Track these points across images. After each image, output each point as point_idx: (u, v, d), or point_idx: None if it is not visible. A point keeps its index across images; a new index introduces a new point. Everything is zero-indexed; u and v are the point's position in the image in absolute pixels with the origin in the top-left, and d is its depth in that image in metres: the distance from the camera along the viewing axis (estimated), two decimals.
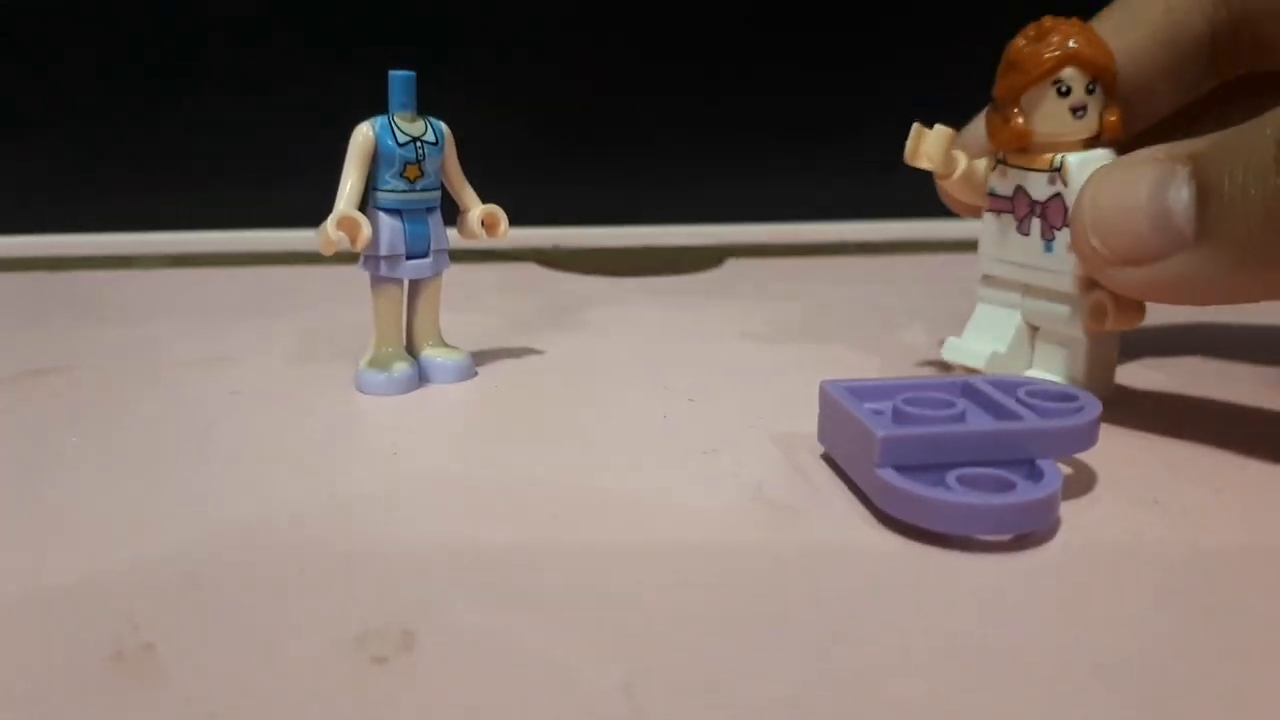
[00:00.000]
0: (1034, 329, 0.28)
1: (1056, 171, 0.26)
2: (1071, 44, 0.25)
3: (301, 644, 0.16)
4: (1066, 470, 0.22)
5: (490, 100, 0.54)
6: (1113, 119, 0.26)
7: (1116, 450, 0.23)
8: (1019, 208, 0.27)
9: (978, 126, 0.28)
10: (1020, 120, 0.26)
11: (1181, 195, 0.22)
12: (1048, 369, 0.27)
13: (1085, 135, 0.26)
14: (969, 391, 0.23)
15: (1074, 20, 0.26)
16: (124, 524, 0.20)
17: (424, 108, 0.27)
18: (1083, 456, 0.22)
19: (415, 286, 0.29)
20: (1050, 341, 0.27)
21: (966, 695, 0.15)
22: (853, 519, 0.20)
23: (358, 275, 0.28)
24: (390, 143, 0.27)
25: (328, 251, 0.26)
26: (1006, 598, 0.17)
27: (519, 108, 0.56)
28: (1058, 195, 0.26)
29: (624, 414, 0.27)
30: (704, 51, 0.40)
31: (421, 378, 0.28)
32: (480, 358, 0.30)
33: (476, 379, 0.29)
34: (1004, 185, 0.27)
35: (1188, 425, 0.26)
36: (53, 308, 0.39)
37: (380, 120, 0.27)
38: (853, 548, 0.19)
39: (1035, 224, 0.27)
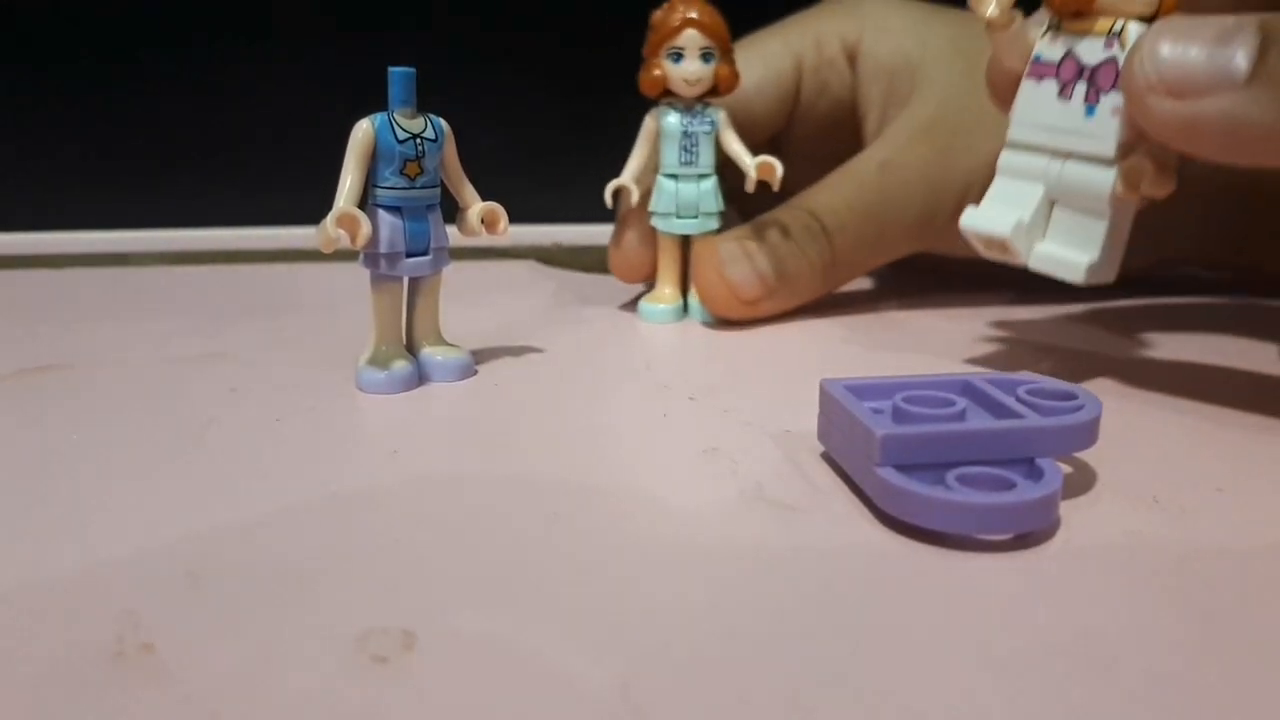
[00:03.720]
0: (1050, 204, 0.27)
1: (1116, 36, 0.26)
2: None
3: (302, 643, 0.16)
4: (1066, 469, 0.22)
5: (490, 97, 0.54)
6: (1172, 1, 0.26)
7: (1116, 449, 0.23)
8: (1065, 72, 0.27)
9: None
10: None
11: (1246, 39, 0.23)
12: (1063, 241, 0.27)
13: (1146, 8, 0.26)
14: (969, 390, 0.23)
15: None
16: (124, 522, 0.20)
17: (424, 104, 0.27)
18: (1082, 455, 0.22)
19: (415, 284, 0.29)
20: (1070, 212, 0.27)
21: (966, 693, 0.15)
22: (853, 518, 0.20)
23: (357, 273, 0.28)
24: (390, 140, 0.27)
25: (327, 249, 0.26)
26: (1006, 596, 0.17)
27: (519, 104, 0.56)
28: (1111, 59, 0.26)
29: (624, 412, 0.27)
30: None
31: (421, 376, 0.28)
32: (480, 356, 0.30)
33: (476, 377, 0.29)
34: (1052, 50, 0.27)
35: (1188, 424, 0.26)
36: (52, 305, 0.39)
37: (380, 117, 0.27)
38: (853, 546, 0.19)
39: (1080, 88, 0.26)
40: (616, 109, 0.41)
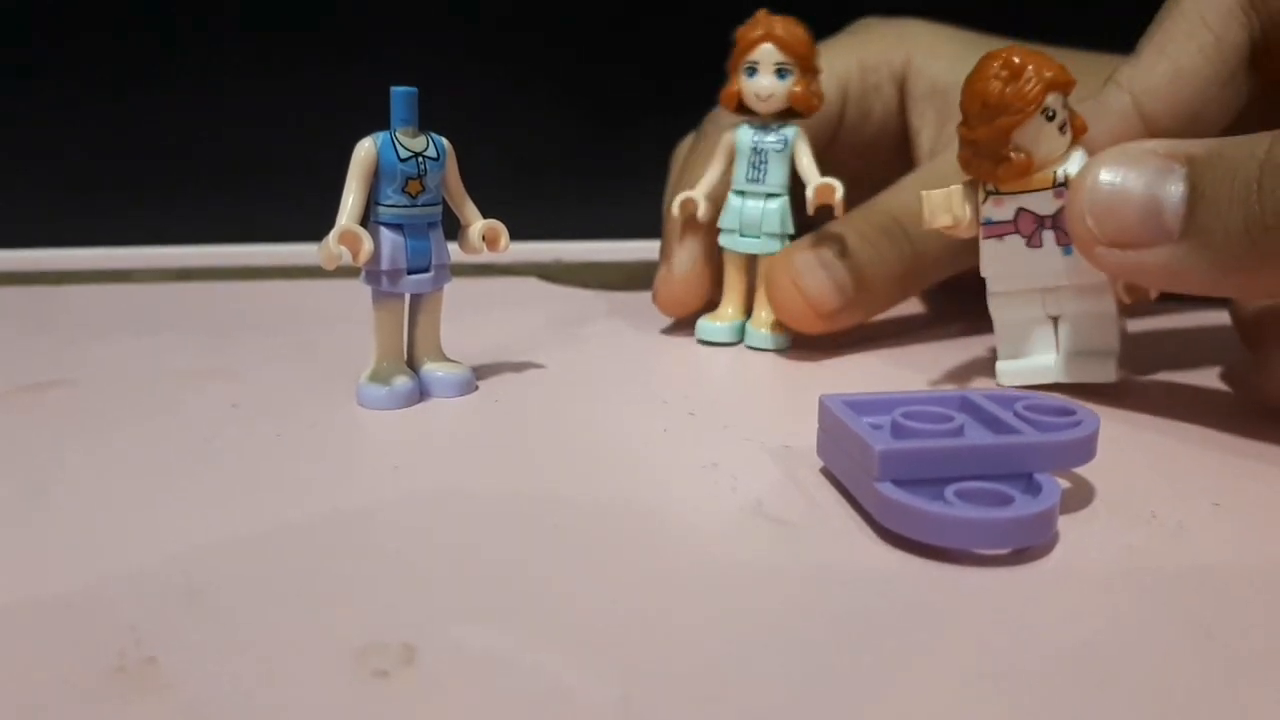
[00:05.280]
0: (1055, 319, 0.29)
1: (1062, 186, 0.27)
2: (1047, 73, 0.26)
3: (303, 658, 0.16)
4: (1064, 484, 0.22)
5: (492, 115, 0.55)
6: (1079, 121, 0.27)
7: (1114, 464, 0.23)
8: (1024, 226, 0.28)
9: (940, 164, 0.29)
10: (1021, 155, 0.27)
11: (1174, 192, 0.24)
12: (1082, 346, 0.29)
13: (1067, 145, 0.27)
14: (967, 406, 0.23)
15: (1014, 47, 0.27)
16: (125, 537, 0.20)
17: (426, 123, 0.28)
18: (1081, 470, 0.23)
19: (416, 301, 0.29)
20: (1078, 320, 0.29)
21: (965, 709, 0.15)
22: (851, 533, 0.20)
23: (359, 290, 0.28)
24: (392, 158, 0.27)
25: (329, 266, 0.26)
26: (1004, 611, 0.17)
27: (520, 122, 0.56)
28: (1064, 207, 0.27)
29: (624, 428, 0.27)
30: (706, 68, 0.40)
31: (422, 392, 0.29)
32: (481, 372, 0.30)
33: (477, 393, 0.29)
34: (1001, 212, 0.28)
35: (1185, 439, 0.26)
36: (54, 322, 0.39)
37: (382, 136, 0.27)
38: (851, 562, 0.19)
39: (1047, 235, 0.28)
40: (618, 127, 0.41)
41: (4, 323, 0.39)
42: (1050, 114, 0.27)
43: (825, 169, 0.33)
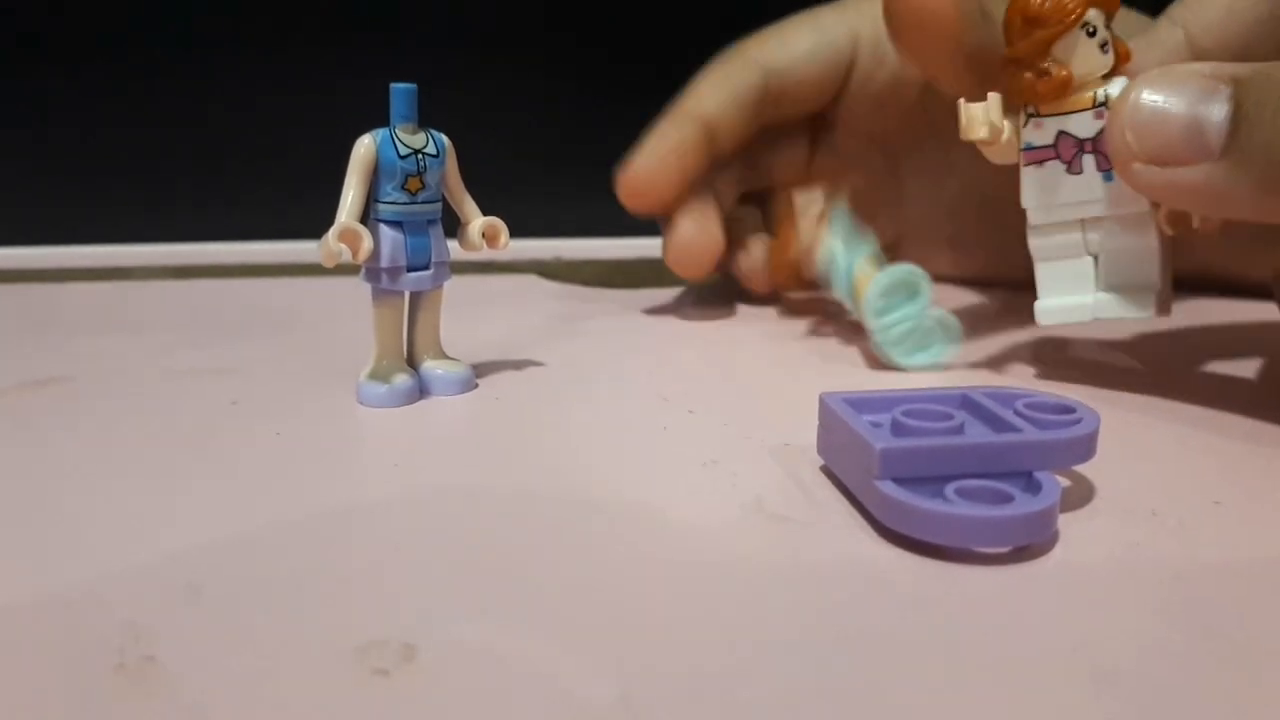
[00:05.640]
0: (1094, 256, 0.28)
1: (1103, 105, 0.27)
2: None
3: (303, 655, 0.16)
4: (1065, 482, 0.22)
5: (492, 112, 0.55)
6: (1123, 48, 0.27)
7: (1115, 462, 0.23)
8: (1064, 151, 0.27)
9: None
10: (1062, 70, 0.26)
11: (1218, 112, 0.24)
12: (1120, 285, 0.28)
13: (1110, 67, 0.27)
14: (967, 404, 0.23)
15: None
16: (125, 535, 0.20)
17: (425, 120, 0.28)
18: (1081, 469, 0.22)
19: (416, 298, 0.29)
20: (1118, 256, 0.28)
21: (965, 707, 0.15)
22: (852, 531, 0.20)
23: (359, 287, 0.28)
24: (391, 155, 0.27)
25: (329, 263, 0.26)
26: (1005, 610, 0.17)
27: (520, 119, 0.56)
28: (1105, 128, 0.27)
29: (624, 425, 0.27)
30: (708, 65, 0.41)
31: (422, 389, 0.29)
32: (481, 369, 0.30)
33: (477, 391, 0.29)
34: (1041, 136, 0.28)
35: (1186, 437, 0.26)
36: (53, 319, 0.39)
37: (382, 133, 0.27)
38: (851, 560, 0.19)
39: (1088, 160, 0.27)
40: (619, 124, 0.41)
41: (3, 320, 0.39)
42: (1091, 30, 0.26)
43: (835, 124, 0.32)
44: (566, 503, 0.22)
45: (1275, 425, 0.26)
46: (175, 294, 0.44)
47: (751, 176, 0.43)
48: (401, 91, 0.27)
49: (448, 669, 0.15)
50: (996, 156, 0.29)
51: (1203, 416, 0.27)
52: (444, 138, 0.28)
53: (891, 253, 0.44)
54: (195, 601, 0.17)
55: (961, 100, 0.28)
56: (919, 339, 0.31)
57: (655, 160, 0.38)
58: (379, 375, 0.28)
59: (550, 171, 0.56)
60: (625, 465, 0.24)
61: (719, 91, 0.39)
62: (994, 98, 0.28)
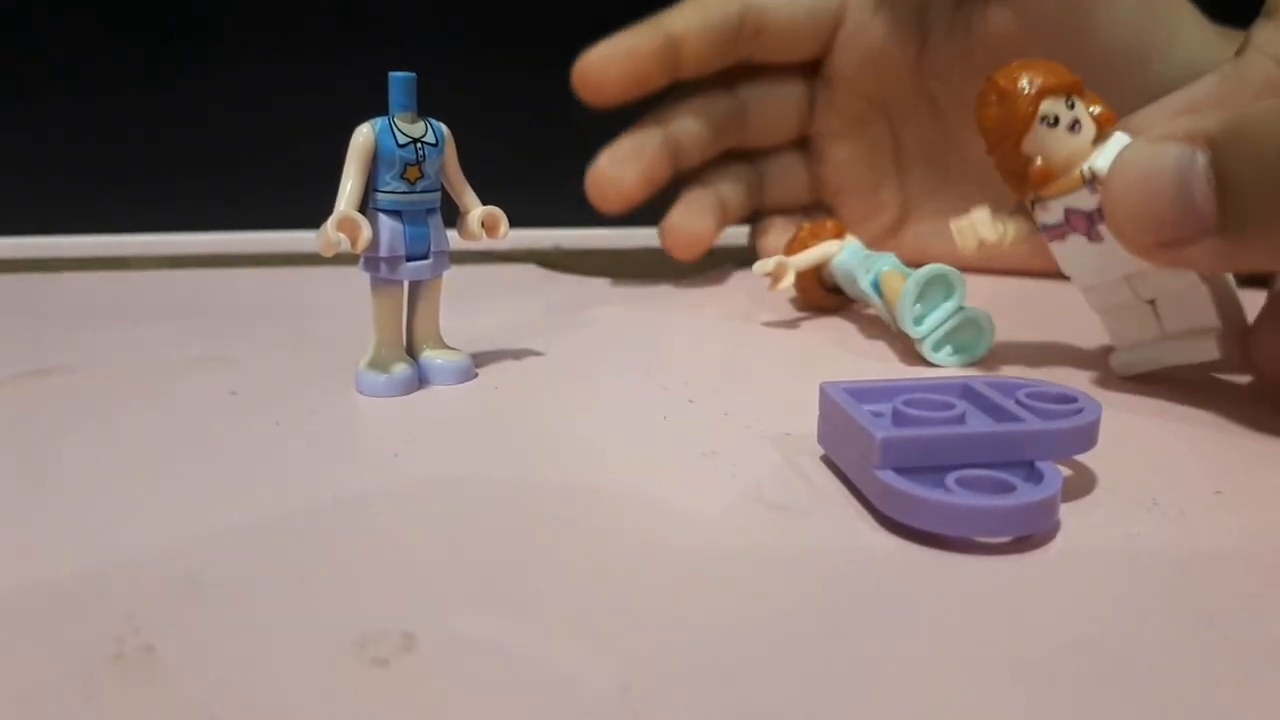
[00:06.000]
0: (1151, 301, 0.28)
1: (1092, 181, 0.27)
2: (1034, 82, 0.27)
3: (302, 646, 0.16)
4: (1066, 472, 0.22)
5: (491, 101, 0.54)
6: (1099, 111, 0.27)
7: (1116, 452, 0.23)
8: (1077, 225, 0.28)
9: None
10: (1036, 164, 0.27)
11: (1199, 185, 0.23)
12: (1182, 326, 0.28)
13: (1090, 139, 0.27)
14: (968, 393, 0.23)
15: (1008, 67, 0.27)
16: (123, 526, 0.20)
17: (425, 109, 0.27)
18: (1082, 458, 0.22)
19: (415, 288, 0.29)
20: (1171, 306, 0.28)
21: (966, 697, 0.15)
22: (852, 521, 0.20)
23: (358, 277, 0.28)
24: (390, 144, 0.27)
25: (328, 253, 0.26)
26: (1006, 600, 0.17)
27: (519, 108, 0.56)
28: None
29: (624, 415, 0.27)
30: None
31: (421, 379, 0.28)
32: (480, 359, 0.30)
33: (476, 380, 0.29)
34: (1051, 215, 0.28)
35: (1187, 427, 0.26)
36: (51, 309, 0.39)
37: (380, 121, 0.27)
38: (852, 550, 0.19)
39: (1103, 229, 0.27)
40: (616, 114, 0.41)
41: (2, 310, 0.39)
42: (1051, 120, 0.27)
43: (832, 82, 0.32)
44: (566, 492, 0.22)
45: (1277, 416, 0.26)
46: (174, 284, 0.44)
47: (746, 132, 0.43)
48: (400, 80, 0.27)
49: (447, 659, 0.15)
50: (1015, 248, 0.29)
51: (1204, 406, 0.27)
52: (443, 127, 0.28)
53: (896, 234, 0.44)
54: (194, 592, 0.17)
55: (950, 220, 0.29)
56: (964, 337, 0.31)
57: (609, 51, 0.38)
58: (378, 365, 0.28)
59: (550, 161, 0.56)
60: (625, 455, 0.24)
61: (692, 10, 0.40)
62: (980, 212, 0.29)
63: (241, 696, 0.14)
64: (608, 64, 0.39)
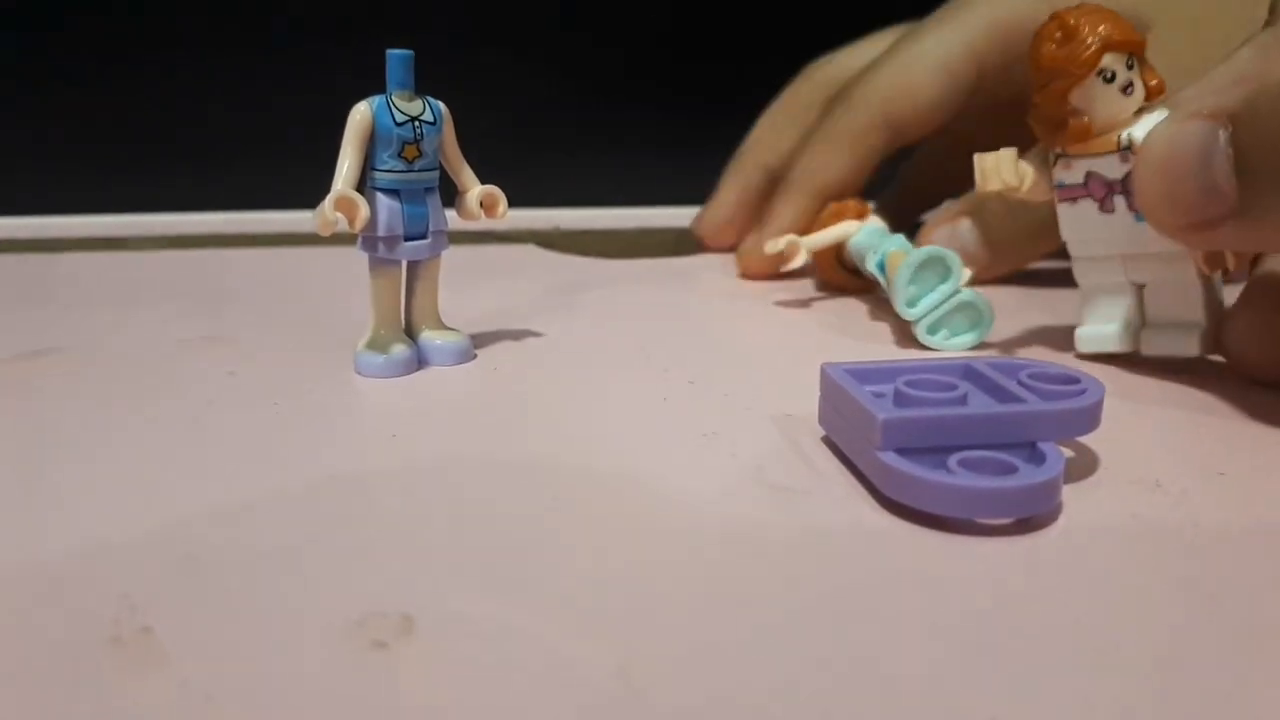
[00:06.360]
0: (1140, 286, 0.28)
1: (1127, 149, 0.26)
2: (1104, 33, 0.26)
3: (301, 627, 0.16)
4: (1068, 453, 0.22)
5: (489, 80, 0.54)
6: (1154, 82, 0.26)
7: (1118, 433, 0.23)
8: (1095, 190, 0.27)
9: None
10: (1081, 118, 0.26)
11: (1221, 165, 0.22)
12: (1167, 320, 0.28)
13: (1137, 108, 0.26)
14: (970, 374, 0.23)
15: (1079, 6, 0.26)
16: (121, 506, 0.20)
17: (422, 87, 0.27)
18: (1085, 439, 0.22)
19: (414, 268, 0.29)
20: (1163, 291, 0.28)
21: (967, 678, 0.15)
22: (854, 502, 0.20)
23: (356, 256, 0.28)
24: (388, 122, 0.26)
25: (325, 232, 0.26)
26: (1008, 581, 0.17)
27: (519, 88, 0.55)
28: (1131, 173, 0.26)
29: (624, 396, 0.26)
30: (705, 38, 0.40)
31: (420, 360, 0.28)
32: (479, 340, 0.30)
33: (475, 361, 0.29)
34: (1071, 175, 0.28)
35: (1190, 407, 0.26)
36: (50, 290, 0.39)
37: (378, 100, 0.27)
38: (853, 531, 0.19)
39: (1118, 200, 0.27)
40: (618, 95, 0.41)
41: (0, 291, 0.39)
42: (1109, 76, 0.26)
43: (962, 138, 0.32)
44: (566, 473, 0.21)
45: (1278, 395, 0.26)
46: (172, 264, 0.44)
47: None
48: (398, 57, 0.27)
49: (446, 641, 0.15)
50: (1028, 198, 0.28)
51: (1207, 388, 0.27)
52: (441, 105, 0.28)
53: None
54: (192, 573, 0.17)
55: (976, 155, 0.28)
56: (959, 320, 0.31)
57: (765, 234, 0.37)
58: (377, 345, 0.28)
59: (549, 141, 0.55)
60: (625, 436, 0.24)
61: (841, 159, 0.38)
62: (1007, 152, 0.28)
63: (239, 678, 0.14)
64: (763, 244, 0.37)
